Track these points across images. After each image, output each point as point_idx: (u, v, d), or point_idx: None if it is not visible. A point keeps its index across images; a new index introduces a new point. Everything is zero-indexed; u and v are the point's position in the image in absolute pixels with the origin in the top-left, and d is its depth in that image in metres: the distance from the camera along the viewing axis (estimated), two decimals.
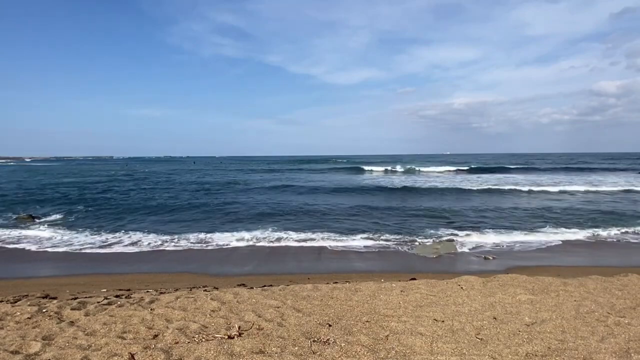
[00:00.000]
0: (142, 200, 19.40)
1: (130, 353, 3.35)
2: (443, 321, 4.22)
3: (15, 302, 5.12)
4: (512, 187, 24.72)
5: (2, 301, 5.19)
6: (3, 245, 10.61)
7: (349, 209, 16.21)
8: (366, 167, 47.41)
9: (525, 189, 23.73)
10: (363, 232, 11.79)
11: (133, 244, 10.69)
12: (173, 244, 10.69)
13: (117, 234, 11.77)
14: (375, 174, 41.83)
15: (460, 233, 11.62)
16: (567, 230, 11.95)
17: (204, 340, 3.64)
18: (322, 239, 11.09)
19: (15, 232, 12.02)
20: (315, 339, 3.69)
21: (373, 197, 20.47)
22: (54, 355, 3.32)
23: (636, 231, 11.78)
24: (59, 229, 12.55)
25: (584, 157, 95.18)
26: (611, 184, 26.13)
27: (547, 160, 76.67)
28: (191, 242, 10.76)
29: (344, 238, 11.08)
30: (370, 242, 10.68)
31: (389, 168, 46.80)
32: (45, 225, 13.01)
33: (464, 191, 23.00)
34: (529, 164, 56.67)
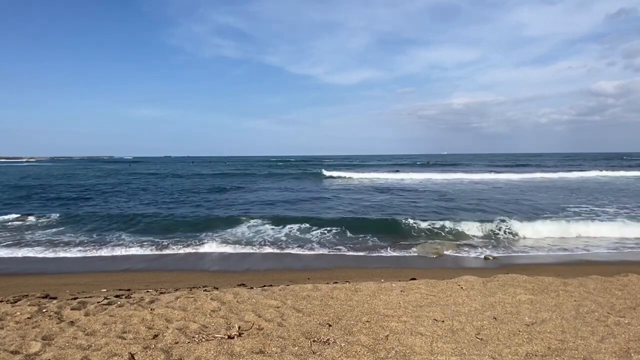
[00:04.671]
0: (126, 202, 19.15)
1: (130, 353, 3.35)
2: (443, 321, 4.22)
3: (15, 302, 5.12)
4: None
5: (2, 301, 5.19)
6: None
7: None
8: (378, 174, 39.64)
9: None
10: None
11: (128, 245, 10.64)
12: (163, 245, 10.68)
13: (109, 236, 11.68)
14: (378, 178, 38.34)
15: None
16: None
17: (204, 340, 3.64)
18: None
19: (14, 233, 12.02)
20: (315, 339, 3.69)
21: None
22: (54, 355, 3.32)
23: None
24: (55, 230, 12.47)
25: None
26: None
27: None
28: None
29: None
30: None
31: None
32: (42, 227, 12.96)
33: None
34: None
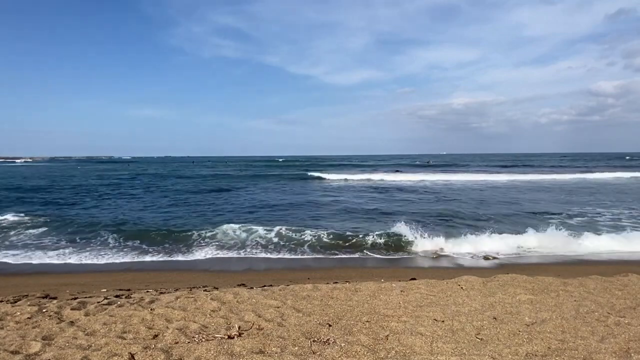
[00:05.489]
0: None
1: (130, 353, 3.35)
2: (443, 321, 4.22)
3: (15, 302, 5.12)
4: None
5: (2, 301, 5.19)
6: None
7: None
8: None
9: None
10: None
11: (116, 251, 10.40)
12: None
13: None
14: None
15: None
16: None
17: (204, 340, 3.65)
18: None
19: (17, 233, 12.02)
20: (315, 339, 3.69)
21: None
22: (54, 355, 3.32)
23: None
24: (36, 233, 12.10)
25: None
26: None
27: None
28: None
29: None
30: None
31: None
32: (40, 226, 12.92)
33: None
34: None
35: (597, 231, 11.45)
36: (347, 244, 10.53)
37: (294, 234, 11.34)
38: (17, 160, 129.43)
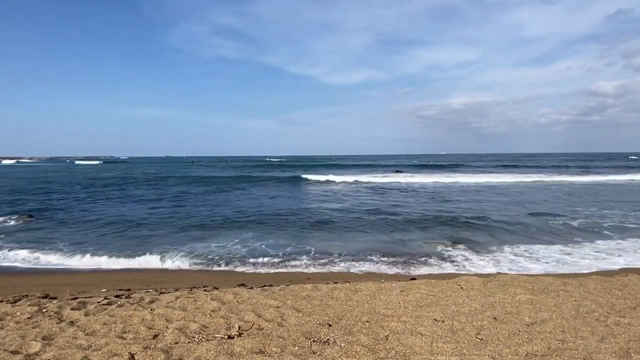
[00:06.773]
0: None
1: (130, 353, 3.35)
2: (443, 321, 4.22)
3: (15, 302, 5.12)
4: None
5: (2, 301, 5.19)
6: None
7: None
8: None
9: None
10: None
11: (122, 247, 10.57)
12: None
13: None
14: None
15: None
16: None
17: (204, 340, 3.65)
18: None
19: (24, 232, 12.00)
20: (315, 339, 3.69)
21: None
22: (54, 355, 3.32)
23: None
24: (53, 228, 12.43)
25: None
26: None
27: None
28: None
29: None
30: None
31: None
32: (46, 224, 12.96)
33: None
34: None
35: None
36: (345, 251, 9.85)
37: (297, 243, 10.50)
38: (2, 161, 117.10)
